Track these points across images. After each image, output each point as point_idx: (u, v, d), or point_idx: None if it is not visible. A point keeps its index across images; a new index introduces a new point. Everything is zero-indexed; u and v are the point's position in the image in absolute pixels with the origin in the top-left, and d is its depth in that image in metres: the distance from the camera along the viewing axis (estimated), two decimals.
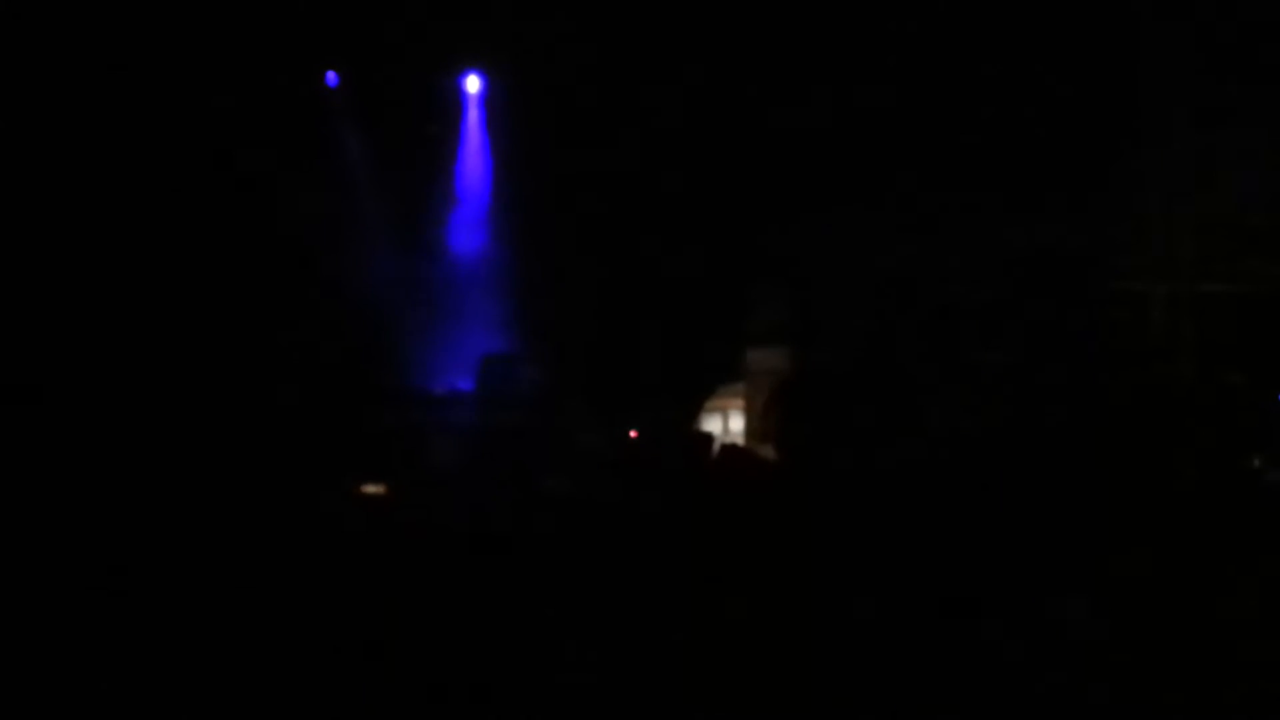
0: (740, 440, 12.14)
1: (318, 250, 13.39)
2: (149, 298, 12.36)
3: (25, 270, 11.85)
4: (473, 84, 13.86)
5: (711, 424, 12.52)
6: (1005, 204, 11.61)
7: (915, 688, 4.38)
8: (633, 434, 11.40)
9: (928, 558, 4.73)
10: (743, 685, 4.54)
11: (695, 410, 12.58)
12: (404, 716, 5.65)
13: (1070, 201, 11.55)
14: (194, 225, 12.79)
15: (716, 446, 10.58)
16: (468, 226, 14.03)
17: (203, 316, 12.49)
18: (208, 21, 12.68)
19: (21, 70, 12.04)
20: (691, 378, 12.65)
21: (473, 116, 13.95)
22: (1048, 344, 11.20)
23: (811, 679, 4.44)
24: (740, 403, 12.50)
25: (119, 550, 6.82)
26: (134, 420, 10.16)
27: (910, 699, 4.36)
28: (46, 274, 11.99)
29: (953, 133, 11.79)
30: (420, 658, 5.81)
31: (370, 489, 9.14)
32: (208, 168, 13.11)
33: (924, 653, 4.42)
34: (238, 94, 13.26)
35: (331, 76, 13.71)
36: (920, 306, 11.90)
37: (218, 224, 12.97)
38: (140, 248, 12.46)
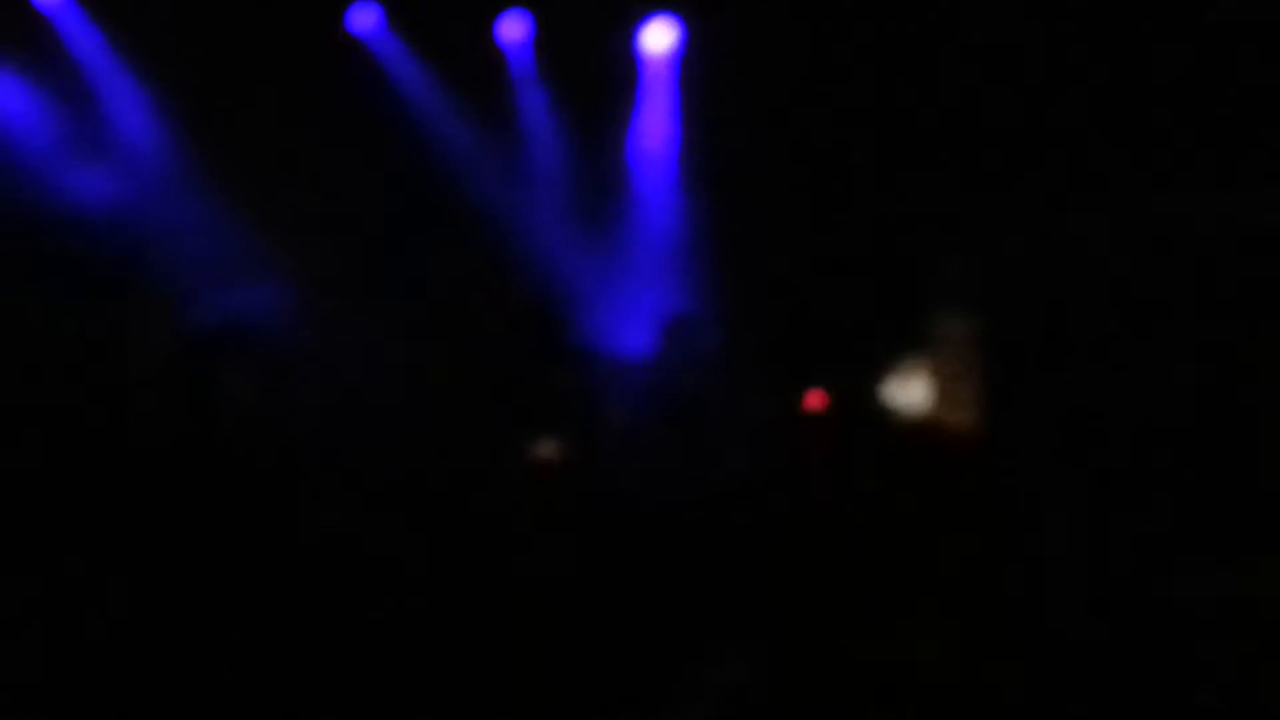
0: (924, 409, 12.02)
1: (499, 207, 13.46)
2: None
3: None
4: (661, 36, 13.74)
5: (894, 393, 12.41)
6: (1196, 179, 11.43)
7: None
8: None
9: (1120, 528, 4.60)
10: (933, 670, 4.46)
11: (878, 378, 12.47)
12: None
13: (1264, 178, 11.35)
14: (380, 175, 12.94)
15: (900, 416, 10.51)
16: (653, 186, 13.97)
17: (384, 265, 12.65)
18: None
19: None
20: (874, 346, 12.55)
21: (661, 69, 13.84)
22: (1234, 321, 11.02)
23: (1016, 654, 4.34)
24: (924, 372, 12.36)
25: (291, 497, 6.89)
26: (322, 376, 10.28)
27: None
28: None
29: (1144, 105, 11.63)
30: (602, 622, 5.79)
31: (547, 449, 9.16)
32: (395, 118, 13.26)
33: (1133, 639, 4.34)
34: (420, 45, 13.39)
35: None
36: (1108, 280, 11.72)
37: (402, 176, 13.11)
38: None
